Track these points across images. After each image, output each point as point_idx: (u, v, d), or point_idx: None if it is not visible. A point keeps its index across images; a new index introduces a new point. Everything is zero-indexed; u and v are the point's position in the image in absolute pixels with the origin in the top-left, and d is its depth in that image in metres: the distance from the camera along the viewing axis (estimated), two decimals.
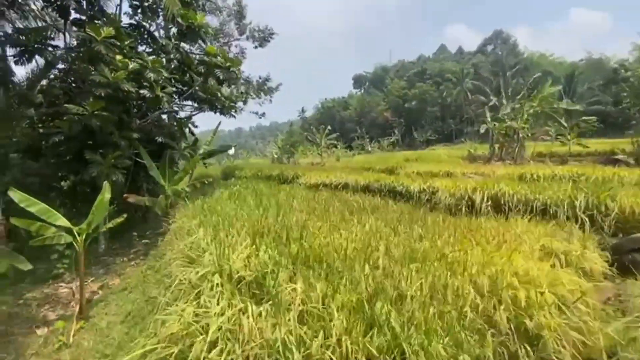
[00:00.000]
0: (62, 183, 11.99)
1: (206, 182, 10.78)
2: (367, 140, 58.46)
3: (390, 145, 56.71)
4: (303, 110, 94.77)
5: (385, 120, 73.61)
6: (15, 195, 5.78)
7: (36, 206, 5.84)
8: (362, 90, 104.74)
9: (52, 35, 10.78)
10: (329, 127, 35.26)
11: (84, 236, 5.96)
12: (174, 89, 9.21)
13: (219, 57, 10.35)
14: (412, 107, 72.02)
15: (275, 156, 43.54)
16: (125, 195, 9.32)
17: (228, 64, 10.31)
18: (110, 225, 6.77)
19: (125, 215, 6.98)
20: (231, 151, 37.23)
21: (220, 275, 2.91)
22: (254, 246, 3.55)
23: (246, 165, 20.36)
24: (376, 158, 26.89)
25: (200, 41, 11.26)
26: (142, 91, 8.57)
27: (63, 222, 5.89)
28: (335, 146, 41.71)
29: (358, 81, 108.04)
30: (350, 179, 11.32)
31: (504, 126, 16.99)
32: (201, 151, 12.78)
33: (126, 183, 11.91)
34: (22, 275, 9.18)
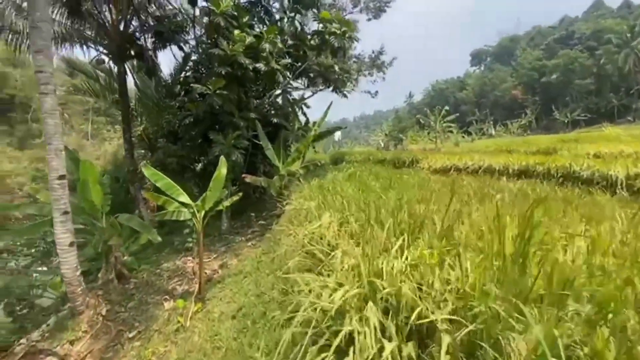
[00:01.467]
0: (197, 164, 13.11)
1: (319, 164, 9.96)
2: (490, 123, 50.34)
3: (520, 129, 47.46)
4: (410, 95, 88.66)
5: (513, 99, 62.29)
6: (146, 170, 5.83)
7: (162, 181, 5.79)
8: (483, 67, 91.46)
9: (185, 26, 11.60)
10: (446, 108, 30.98)
11: (202, 213, 5.66)
12: (288, 61, 8.60)
13: (333, 24, 9.23)
14: (551, 81, 58.63)
15: (382, 144, 41.54)
16: (243, 175, 9.24)
17: (344, 28, 9.09)
18: (227, 203, 6.42)
19: (241, 194, 6.57)
20: (337, 135, 36.96)
21: (374, 302, 1.55)
22: (416, 249, 2.09)
23: (354, 152, 19.27)
24: (509, 141, 22.12)
25: (314, 10, 10.38)
26: (257, 64, 8.14)
27: (185, 198, 5.71)
28: (451, 131, 36.87)
29: (477, 57, 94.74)
30: (494, 162, 8.76)
31: None
32: (312, 133, 12.17)
33: (245, 164, 12.25)
34: (163, 246, 10.22)
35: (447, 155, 11.64)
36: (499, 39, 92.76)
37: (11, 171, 23.96)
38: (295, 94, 12.56)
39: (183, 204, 5.62)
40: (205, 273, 7.37)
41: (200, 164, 12.47)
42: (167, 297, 6.65)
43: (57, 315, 6.79)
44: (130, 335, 5.74)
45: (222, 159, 5.72)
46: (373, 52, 15.66)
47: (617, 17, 64.23)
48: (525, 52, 69.21)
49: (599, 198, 4.95)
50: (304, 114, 11.88)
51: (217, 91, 8.49)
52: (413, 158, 12.14)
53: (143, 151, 14.58)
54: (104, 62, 11.48)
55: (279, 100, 11.85)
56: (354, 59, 15.48)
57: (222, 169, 5.59)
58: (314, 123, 12.90)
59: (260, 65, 8.14)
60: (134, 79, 13.80)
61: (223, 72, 8.32)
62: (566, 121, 52.26)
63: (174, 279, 7.43)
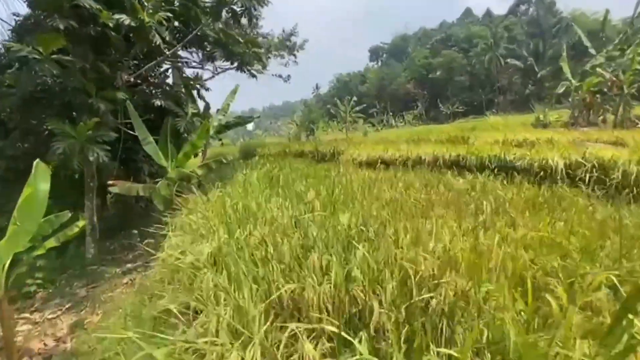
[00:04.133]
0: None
1: (224, 161, 7.76)
2: (391, 114, 54.26)
3: (414, 120, 52.42)
4: (317, 87, 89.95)
5: (406, 92, 68.64)
6: None
7: None
8: (380, 63, 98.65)
9: None
10: (354, 99, 31.35)
11: (3, 276, 3.08)
12: (169, 15, 6.10)
13: None
14: (436, 77, 66.50)
15: (293, 134, 40.27)
16: (110, 182, 6.43)
17: None
18: (46, 247, 3.85)
19: (79, 224, 4.06)
20: (250, 126, 34.15)
21: None
22: None
23: (267, 144, 17.25)
24: (414, 131, 23.30)
25: None
26: (117, 16, 5.44)
27: None
28: (356, 121, 37.92)
29: (375, 53, 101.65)
30: (422, 152, 8.07)
31: (595, 82, 13.11)
32: (216, 123, 9.75)
33: (120, 165, 9.08)
34: None
35: (371, 146, 10.76)
36: (392, 38, 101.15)
37: None
38: (190, 74, 9.88)
39: None
40: (45, 346, 4.59)
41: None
42: None
43: None
44: None
45: (37, 164, 3.18)
46: (283, 31, 13.83)
47: (483, 25, 76.75)
48: (416, 51, 76.86)
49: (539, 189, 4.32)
50: (202, 98, 9.35)
51: (54, 56, 5.50)
52: (334, 150, 10.92)
53: None
54: None
55: (169, 79, 9.07)
56: (262, 37, 13.38)
57: (40, 183, 3.10)
58: (217, 111, 10.46)
59: (124, 18, 5.45)
60: None
61: (61, 27, 5.37)
62: (448, 112, 60.06)
63: None
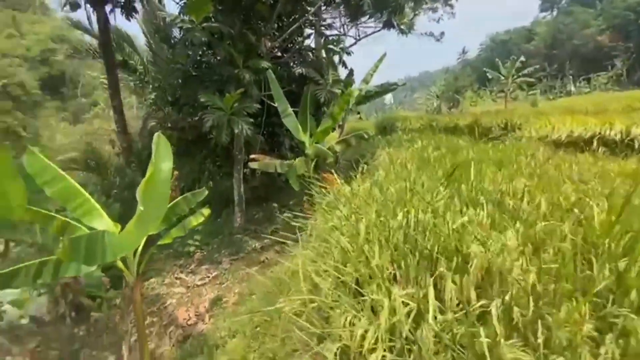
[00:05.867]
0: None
1: (365, 137, 6.58)
2: (570, 77, 41.85)
3: (610, 83, 38.63)
4: (464, 51, 77.99)
5: (597, 48, 51.28)
6: (27, 160, 2.98)
7: (58, 184, 2.94)
8: (555, 13, 77.10)
9: None
10: (521, 59, 24.77)
11: (136, 248, 2.77)
12: None
13: None
14: None
15: (432, 107, 35.98)
16: (252, 156, 6.23)
17: None
18: (172, 236, 3.45)
19: (204, 213, 3.54)
20: (389, 98, 32.46)
21: None
22: None
23: (408, 117, 15.21)
24: (609, 98, 16.54)
25: None
26: None
27: (99, 221, 2.85)
28: (522, 88, 30.31)
29: (549, 0, 79.76)
30: None
31: None
32: (356, 93, 8.61)
33: (265, 138, 9.20)
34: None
35: (561, 119, 7.52)
36: None
37: (66, 145, 23.67)
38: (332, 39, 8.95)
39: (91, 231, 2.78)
40: (188, 318, 4.67)
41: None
42: None
43: None
44: None
45: (157, 138, 2.67)
46: None
47: None
48: None
49: None
50: (344, 64, 8.31)
51: (204, 23, 5.33)
52: (507, 123, 8.17)
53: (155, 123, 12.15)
54: (79, 6, 8.76)
55: (311, 43, 8.40)
56: None
57: (162, 162, 2.58)
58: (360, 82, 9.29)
59: None
60: (145, 37, 11.14)
61: None
62: None
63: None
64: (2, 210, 4.34)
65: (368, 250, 1.53)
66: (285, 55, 8.64)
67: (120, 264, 2.75)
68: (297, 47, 8.94)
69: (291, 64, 9.04)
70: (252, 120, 6.35)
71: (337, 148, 6.40)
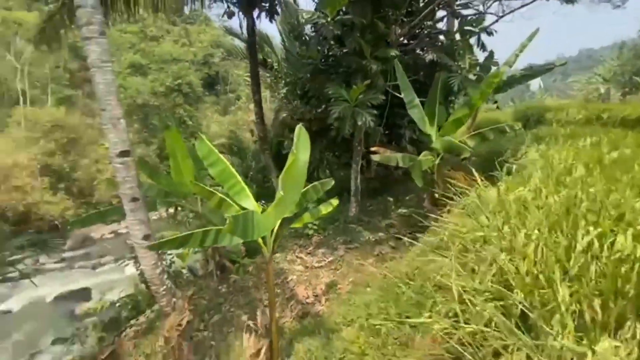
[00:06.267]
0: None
1: (509, 130, 5.63)
2: None
3: None
4: None
5: None
6: (199, 146, 3.63)
7: (217, 167, 3.49)
8: None
9: None
10: None
11: (273, 228, 3.08)
12: None
13: None
14: None
15: (596, 93, 28.25)
16: (373, 148, 6.16)
17: None
18: (303, 220, 3.61)
19: (333, 203, 3.59)
20: (536, 84, 27.39)
21: None
22: None
23: (563, 107, 12.30)
24: None
25: None
26: None
27: (248, 201, 3.28)
28: None
29: None
30: None
31: None
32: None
33: (385, 130, 9.00)
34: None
35: None
36: None
37: (217, 132, 29.38)
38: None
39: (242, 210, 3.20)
40: (307, 296, 5.04)
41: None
42: (249, 322, 4.74)
43: (151, 310, 6.15)
44: None
45: (299, 130, 2.83)
46: None
47: None
48: None
49: None
50: (482, 47, 7.25)
51: (338, 17, 5.46)
52: None
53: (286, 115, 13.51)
54: (233, 14, 10.30)
55: (443, 26, 7.70)
56: None
57: (301, 152, 2.74)
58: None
59: None
60: (281, 36, 12.45)
61: None
62: None
63: (265, 290, 5.48)
64: (177, 183, 5.51)
65: (545, 277, 1.22)
66: (413, 41, 8.17)
67: (260, 240, 3.11)
68: (426, 32, 8.32)
69: (418, 50, 8.50)
70: (375, 111, 6.25)
71: (470, 143, 5.69)
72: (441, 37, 7.82)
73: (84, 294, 12.55)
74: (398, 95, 6.92)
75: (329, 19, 5.44)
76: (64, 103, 24.13)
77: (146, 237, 4.72)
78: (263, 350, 3.33)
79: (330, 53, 7.14)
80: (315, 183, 3.70)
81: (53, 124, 20.68)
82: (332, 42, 7.17)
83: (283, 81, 12.52)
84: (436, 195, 5.72)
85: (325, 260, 6.31)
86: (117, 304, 7.54)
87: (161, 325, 5.06)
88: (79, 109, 24.94)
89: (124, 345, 5.11)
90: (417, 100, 5.85)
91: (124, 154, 4.36)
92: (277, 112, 14.16)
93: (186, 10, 10.53)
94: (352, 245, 6.72)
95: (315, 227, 8.13)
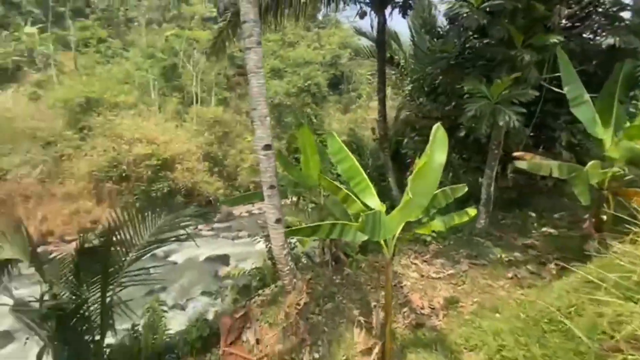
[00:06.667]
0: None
1: None
2: None
3: None
4: None
5: None
6: (330, 142, 3.82)
7: (345, 163, 3.61)
8: None
9: None
10: None
11: (393, 234, 2.99)
12: None
13: None
14: None
15: None
16: (517, 153, 5.28)
17: None
18: (437, 224, 3.29)
19: (470, 213, 3.18)
20: None
21: None
22: None
23: None
24: None
25: None
26: None
27: (372, 199, 3.27)
28: None
29: None
30: None
31: None
32: None
33: (532, 132, 7.61)
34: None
35: None
36: None
37: (338, 130, 31.27)
38: None
39: (366, 208, 3.21)
40: (422, 307, 4.74)
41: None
42: (360, 318, 4.78)
43: (275, 285, 6.87)
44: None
45: (436, 129, 2.59)
46: None
47: None
48: None
49: None
50: None
51: (484, 4, 4.87)
52: None
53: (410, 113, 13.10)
54: (366, 14, 10.48)
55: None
56: None
57: (437, 153, 2.53)
58: None
59: None
60: (410, 32, 12.14)
61: None
62: None
63: (378, 290, 5.41)
64: (306, 175, 5.99)
65: None
66: (581, 24, 6.60)
67: (381, 241, 3.08)
68: (602, 9, 6.57)
69: (588, 34, 6.82)
70: (523, 110, 5.32)
71: None
72: (625, 14, 6.08)
73: (224, 259, 15.27)
74: (554, 90, 5.73)
75: (474, 8, 4.88)
76: (222, 103, 29.71)
77: (278, 221, 5.34)
78: (375, 351, 3.31)
79: (467, 45, 6.45)
80: (446, 188, 3.41)
81: (214, 120, 25.93)
82: (470, 33, 6.48)
83: (409, 78, 12.09)
84: (603, 218, 4.51)
85: (443, 272, 5.82)
86: (248, 274, 8.86)
87: (283, 300, 5.67)
88: (231, 108, 30.29)
89: (252, 310, 5.95)
90: (586, 96, 4.66)
91: (267, 147, 5.02)
92: (399, 110, 13.83)
93: (320, 15, 11.15)
94: (478, 262, 5.98)
95: (434, 234, 7.59)
